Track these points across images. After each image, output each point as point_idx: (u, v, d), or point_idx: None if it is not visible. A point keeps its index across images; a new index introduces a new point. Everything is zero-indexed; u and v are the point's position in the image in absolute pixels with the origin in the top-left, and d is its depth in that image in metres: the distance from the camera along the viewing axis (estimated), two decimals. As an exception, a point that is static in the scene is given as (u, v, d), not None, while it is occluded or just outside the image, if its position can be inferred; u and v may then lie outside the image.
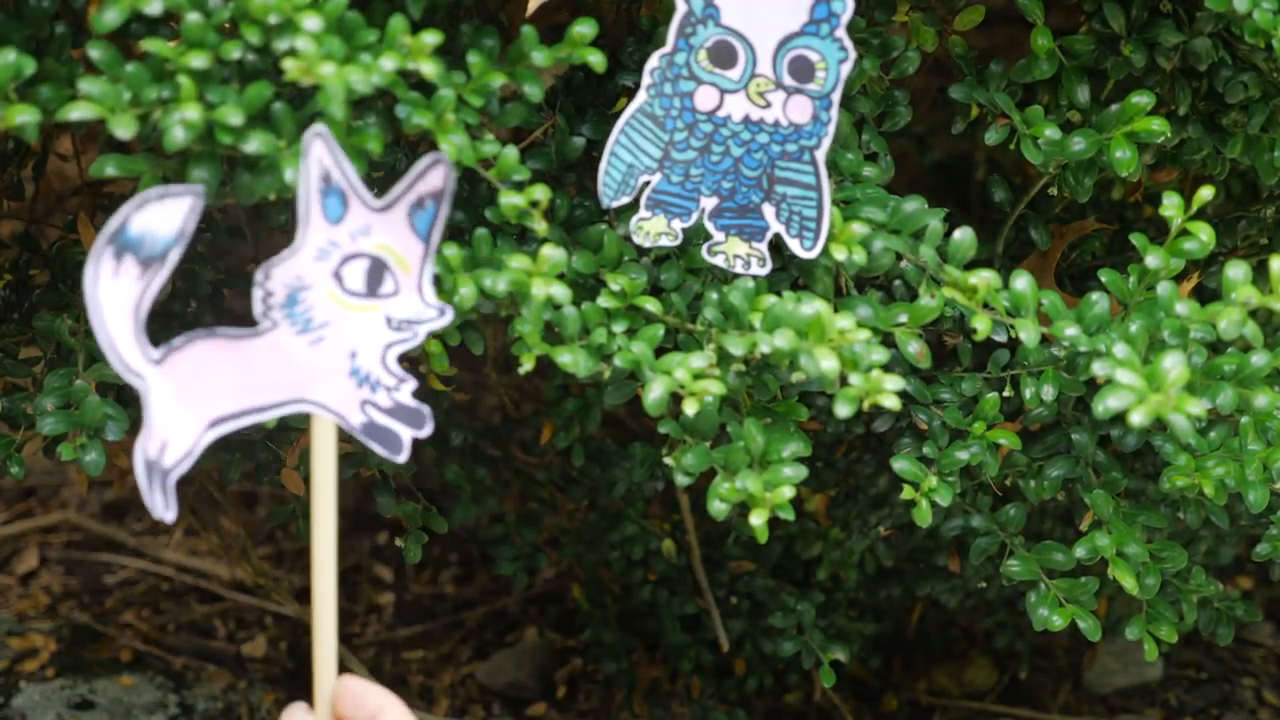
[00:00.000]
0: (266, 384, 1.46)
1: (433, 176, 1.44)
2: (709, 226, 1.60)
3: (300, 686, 2.51)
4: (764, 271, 1.60)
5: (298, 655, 2.58)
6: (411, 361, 1.90)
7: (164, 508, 1.42)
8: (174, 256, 1.40)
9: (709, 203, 1.60)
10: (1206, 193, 1.54)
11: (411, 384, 1.49)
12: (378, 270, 1.46)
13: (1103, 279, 1.61)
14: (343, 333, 1.47)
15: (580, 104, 1.73)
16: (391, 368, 1.48)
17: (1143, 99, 1.65)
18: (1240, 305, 1.46)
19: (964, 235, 1.61)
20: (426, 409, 1.48)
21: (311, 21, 1.38)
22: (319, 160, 1.42)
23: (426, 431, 1.49)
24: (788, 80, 1.57)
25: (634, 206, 1.61)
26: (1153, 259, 1.58)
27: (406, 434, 1.49)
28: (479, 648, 2.63)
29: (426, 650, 2.62)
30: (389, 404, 1.49)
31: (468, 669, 2.58)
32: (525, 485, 2.32)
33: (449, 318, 1.48)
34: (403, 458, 1.48)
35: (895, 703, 2.51)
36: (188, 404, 1.43)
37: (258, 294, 1.44)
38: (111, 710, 2.42)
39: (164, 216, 1.39)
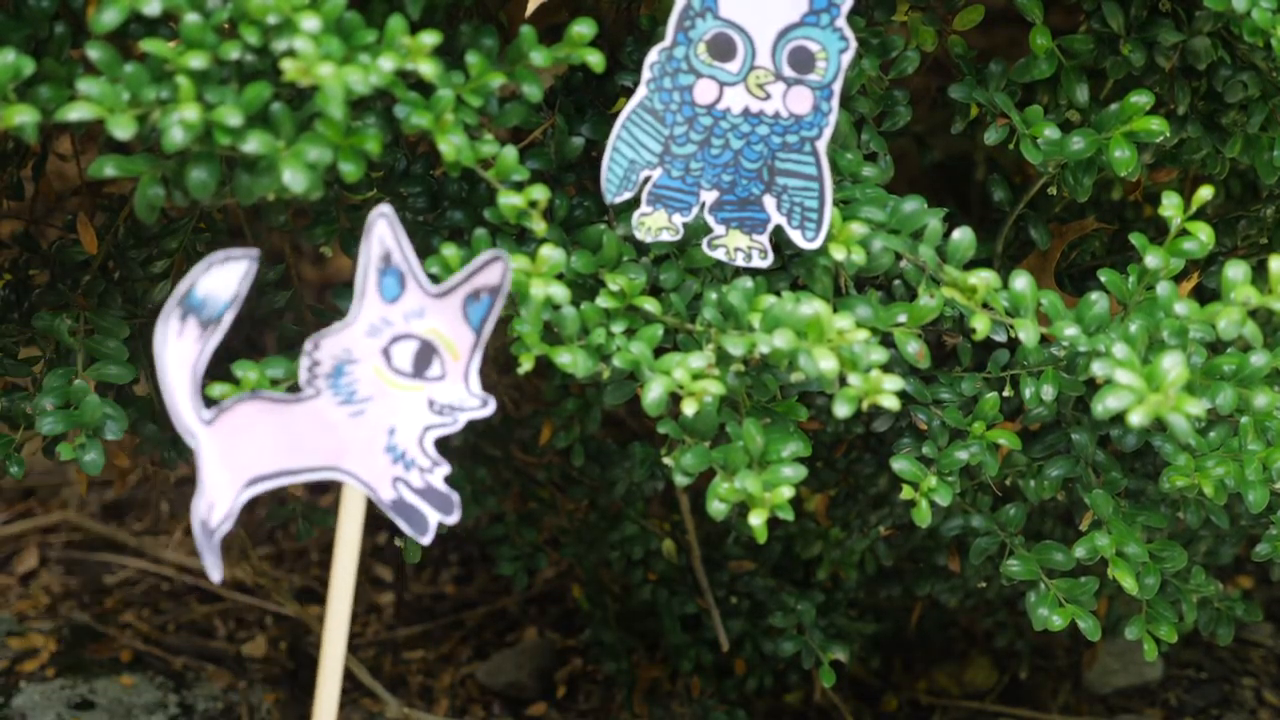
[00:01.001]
0: (304, 448, 1.50)
1: (491, 272, 1.47)
2: (709, 220, 1.60)
3: (300, 686, 2.52)
4: (765, 264, 1.60)
5: (298, 655, 2.58)
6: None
7: (214, 567, 1.47)
8: (228, 318, 1.44)
9: (709, 196, 1.60)
10: (1206, 192, 1.54)
11: (445, 469, 1.52)
12: (426, 353, 1.50)
13: (1102, 279, 1.61)
14: (384, 409, 1.50)
15: (579, 104, 1.73)
16: (428, 450, 1.52)
17: (1142, 98, 1.65)
18: (1240, 305, 1.46)
19: (963, 235, 1.61)
20: (456, 496, 1.52)
21: (310, 22, 1.38)
22: (380, 239, 1.46)
23: (454, 519, 1.52)
24: (787, 71, 1.57)
25: (635, 205, 1.61)
26: (1152, 259, 1.58)
27: (434, 517, 1.52)
28: (479, 648, 2.63)
29: (426, 650, 2.62)
30: (420, 485, 1.52)
31: (468, 669, 2.58)
32: (525, 485, 2.32)
33: (491, 408, 1.50)
34: (427, 539, 1.51)
35: (895, 703, 2.51)
36: (230, 464, 1.47)
37: (304, 362, 1.48)
38: (111, 710, 2.42)
39: (224, 279, 1.43)
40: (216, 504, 1.47)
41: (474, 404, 1.51)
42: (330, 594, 1.56)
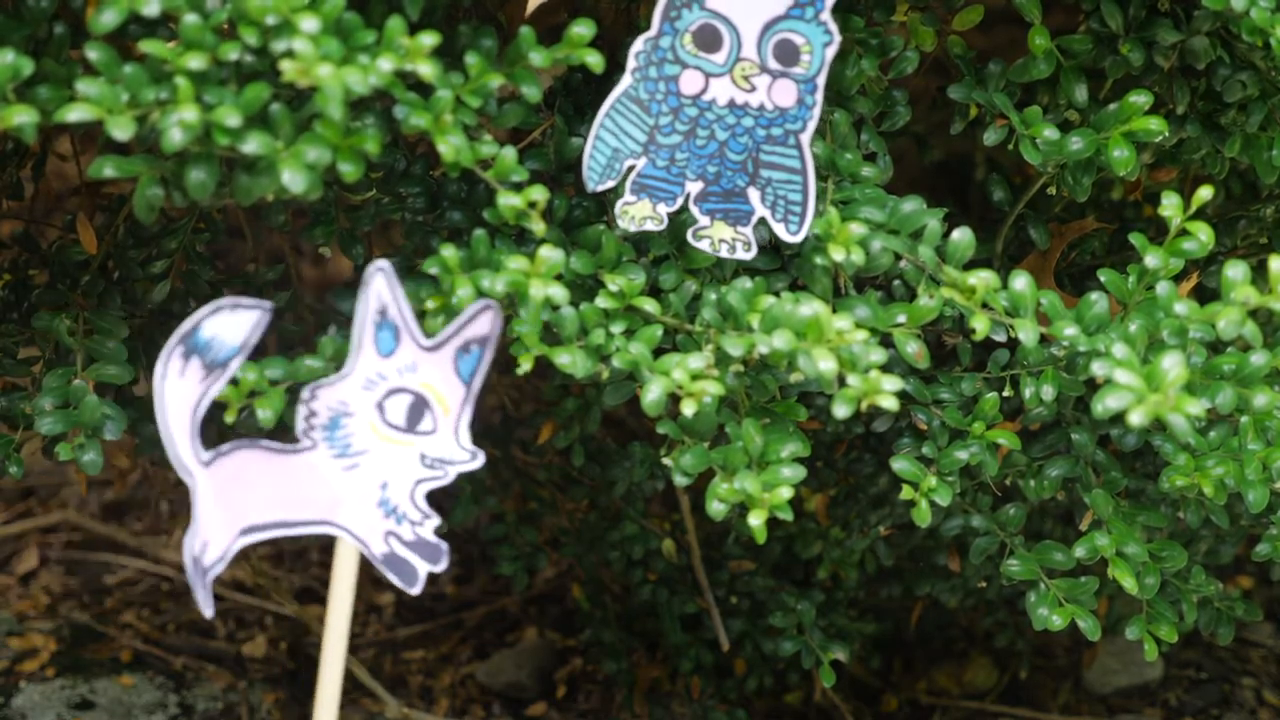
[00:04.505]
0: (299, 501, 1.52)
1: (481, 322, 1.50)
2: (694, 211, 1.60)
3: (300, 686, 2.52)
4: (749, 256, 1.60)
5: (298, 655, 2.58)
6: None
7: (205, 604, 1.47)
8: (235, 365, 1.46)
9: (694, 187, 1.60)
10: (1205, 192, 1.54)
11: (435, 521, 1.54)
12: (419, 408, 1.52)
13: (1102, 279, 1.61)
14: (377, 463, 1.52)
15: (579, 104, 1.73)
16: (419, 503, 1.54)
17: (1141, 98, 1.65)
18: (1239, 305, 1.46)
19: (962, 235, 1.61)
20: (445, 546, 1.54)
21: (309, 23, 1.38)
22: (378, 294, 1.47)
23: (442, 567, 1.54)
24: (772, 64, 1.57)
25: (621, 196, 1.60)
26: (1152, 259, 1.58)
27: (424, 568, 1.55)
28: (479, 648, 2.63)
29: (426, 650, 2.62)
30: (411, 538, 1.54)
31: (468, 669, 2.58)
32: (525, 485, 2.32)
33: (480, 462, 1.53)
34: (416, 590, 1.54)
35: (895, 703, 2.51)
36: (225, 508, 1.49)
37: (301, 411, 1.50)
38: (111, 710, 2.43)
39: (233, 325, 1.45)
40: (211, 544, 1.49)
41: (464, 458, 1.54)
42: (324, 646, 1.60)
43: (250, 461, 1.49)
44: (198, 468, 1.47)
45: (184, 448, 1.46)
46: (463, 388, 1.52)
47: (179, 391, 1.45)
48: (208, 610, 1.47)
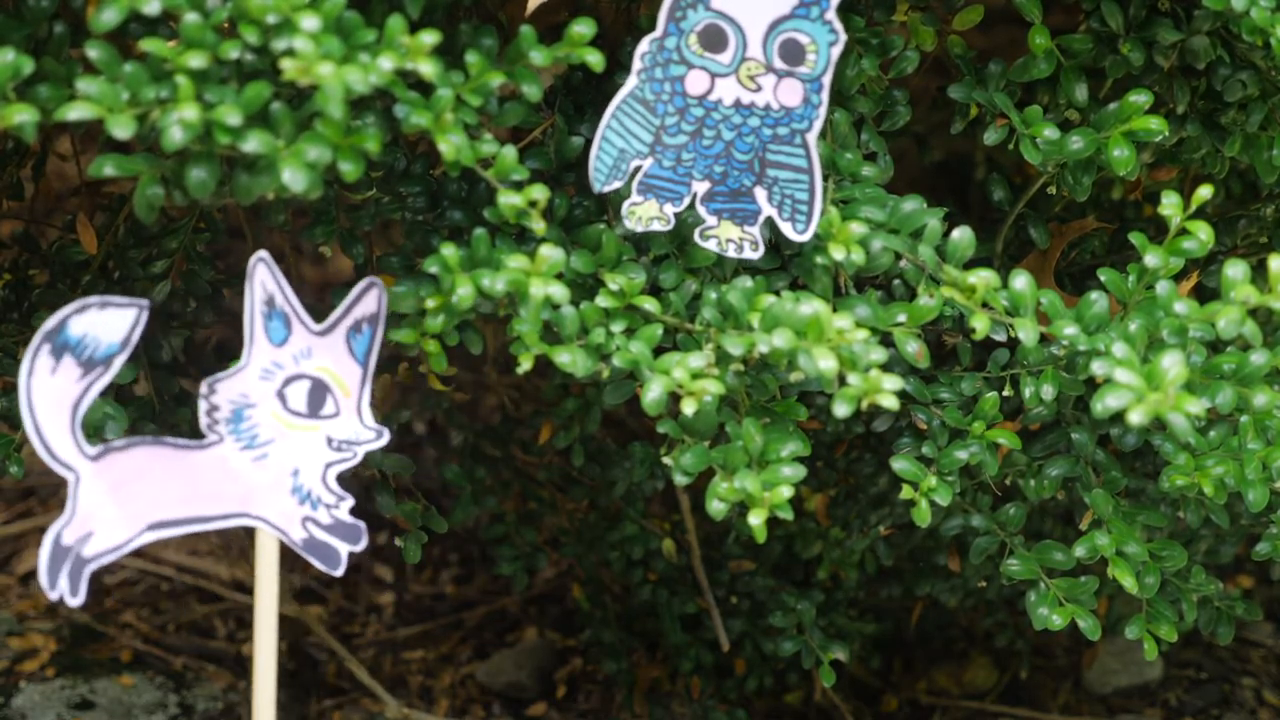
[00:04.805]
0: (210, 495, 1.53)
1: (368, 300, 1.52)
2: (701, 211, 1.60)
3: (300, 686, 2.52)
4: (756, 255, 1.60)
5: (298, 655, 2.58)
6: (411, 361, 1.90)
7: (70, 592, 1.49)
8: (118, 363, 1.47)
9: (701, 187, 1.60)
10: (1205, 191, 1.54)
11: (349, 502, 1.56)
12: (319, 392, 1.54)
13: (1102, 278, 1.61)
14: (285, 451, 1.54)
15: (579, 103, 1.73)
16: (331, 486, 1.56)
17: (1141, 97, 1.65)
18: (1239, 304, 1.46)
19: (963, 234, 1.61)
20: (362, 525, 1.56)
21: (309, 21, 1.38)
22: (263, 284, 1.50)
23: (361, 546, 1.56)
24: (778, 63, 1.57)
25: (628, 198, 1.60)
26: (1152, 258, 1.58)
27: (344, 549, 1.57)
28: (479, 648, 2.63)
29: (426, 650, 2.62)
30: (328, 521, 1.57)
31: (468, 669, 2.58)
32: (525, 485, 2.32)
33: (385, 439, 1.55)
34: (339, 572, 1.57)
35: (895, 703, 2.51)
36: (124, 503, 1.50)
37: (203, 406, 1.51)
38: (111, 710, 2.43)
39: (108, 324, 1.46)
40: (96, 535, 1.50)
41: (369, 437, 1.55)
42: (255, 637, 1.59)
43: (154, 459, 1.51)
44: (81, 461, 1.49)
45: (58, 443, 1.48)
46: (359, 368, 1.53)
47: (52, 389, 1.46)
48: (76, 600, 1.48)
